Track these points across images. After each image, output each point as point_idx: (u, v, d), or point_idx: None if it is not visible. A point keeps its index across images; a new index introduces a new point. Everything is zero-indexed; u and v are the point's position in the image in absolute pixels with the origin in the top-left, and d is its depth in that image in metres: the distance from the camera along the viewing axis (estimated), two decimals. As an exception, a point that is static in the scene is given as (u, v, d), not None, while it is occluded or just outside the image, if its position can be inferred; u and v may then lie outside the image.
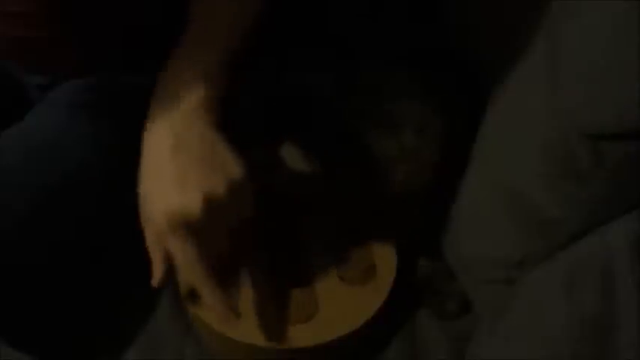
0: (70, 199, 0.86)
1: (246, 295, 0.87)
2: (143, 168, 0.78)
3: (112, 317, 0.90)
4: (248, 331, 0.85)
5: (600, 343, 0.71)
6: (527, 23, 0.83)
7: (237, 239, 0.81)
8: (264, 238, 0.88)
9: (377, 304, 0.86)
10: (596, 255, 0.74)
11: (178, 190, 0.75)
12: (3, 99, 0.98)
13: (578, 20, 0.75)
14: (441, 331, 0.90)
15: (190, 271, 0.78)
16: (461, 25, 0.97)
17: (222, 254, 0.80)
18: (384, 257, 0.90)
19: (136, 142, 0.89)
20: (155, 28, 0.89)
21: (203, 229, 0.76)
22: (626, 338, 0.70)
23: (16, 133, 0.90)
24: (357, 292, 0.88)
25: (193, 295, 0.85)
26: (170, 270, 0.79)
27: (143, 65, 0.89)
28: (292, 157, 0.86)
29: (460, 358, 0.87)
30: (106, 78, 0.91)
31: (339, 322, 0.85)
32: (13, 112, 0.93)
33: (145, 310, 0.91)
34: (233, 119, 0.80)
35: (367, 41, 0.96)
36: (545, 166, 0.78)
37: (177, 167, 0.76)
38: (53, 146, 0.87)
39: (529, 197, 0.80)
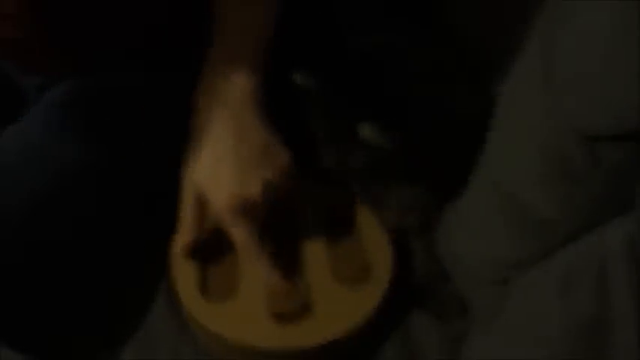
0: (67, 199, 0.87)
1: (243, 294, 0.87)
2: (204, 154, 0.86)
3: (108, 317, 0.90)
4: (243, 331, 0.85)
5: (595, 344, 0.71)
6: (523, 24, 0.83)
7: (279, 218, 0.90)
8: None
9: (372, 304, 0.86)
10: (591, 256, 0.74)
11: (241, 178, 0.85)
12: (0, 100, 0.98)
13: (574, 20, 0.75)
14: (438, 332, 0.90)
15: (248, 250, 0.86)
16: (460, 25, 0.97)
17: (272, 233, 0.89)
18: (380, 257, 0.90)
19: (132, 141, 0.90)
20: (140, 28, 0.89)
21: (259, 211, 0.86)
22: (621, 339, 0.70)
23: (14, 134, 0.90)
24: (353, 292, 0.88)
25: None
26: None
27: (135, 65, 0.89)
28: (371, 132, 0.87)
29: (457, 358, 0.87)
30: (102, 78, 0.91)
31: (334, 323, 0.85)
32: (11, 113, 0.93)
33: (140, 309, 0.91)
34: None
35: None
36: (541, 167, 0.78)
37: (240, 158, 0.85)
38: (49, 146, 0.87)
39: (525, 198, 0.80)
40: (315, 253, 0.90)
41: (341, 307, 0.86)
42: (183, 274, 0.89)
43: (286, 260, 0.90)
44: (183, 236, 0.88)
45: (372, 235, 0.92)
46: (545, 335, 0.73)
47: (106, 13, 0.87)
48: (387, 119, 0.87)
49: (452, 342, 0.89)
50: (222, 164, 0.85)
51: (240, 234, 0.86)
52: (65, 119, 0.90)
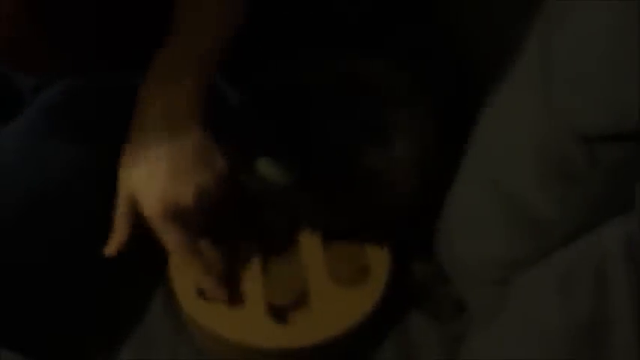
0: (64, 199, 0.87)
1: (241, 294, 0.87)
2: (138, 156, 0.84)
3: (106, 317, 0.90)
4: (241, 330, 0.85)
5: (594, 344, 0.71)
6: (521, 23, 0.83)
7: (220, 224, 0.89)
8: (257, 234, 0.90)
9: (370, 304, 0.86)
10: (590, 256, 0.74)
11: (174, 183, 0.83)
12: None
13: (573, 20, 0.75)
14: (435, 332, 0.90)
15: (180, 254, 0.85)
16: (456, 25, 0.97)
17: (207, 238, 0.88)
18: (378, 258, 0.90)
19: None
20: (136, 28, 0.89)
21: (192, 216, 0.84)
22: (620, 339, 0.70)
23: (11, 133, 0.90)
24: (351, 292, 0.88)
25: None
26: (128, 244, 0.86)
27: (130, 65, 0.89)
28: (268, 167, 0.88)
29: (455, 359, 0.87)
30: (99, 78, 0.91)
31: (332, 323, 0.85)
32: (8, 113, 0.93)
33: (138, 309, 0.91)
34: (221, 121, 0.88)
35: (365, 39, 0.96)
36: (539, 167, 0.78)
37: (173, 163, 0.83)
38: (46, 146, 0.87)
39: (523, 198, 0.80)
40: (313, 253, 0.90)
41: (339, 307, 0.87)
42: (181, 274, 0.88)
43: (284, 259, 0.90)
44: (116, 237, 0.85)
45: (369, 236, 0.92)
46: (545, 335, 0.73)
47: (103, 13, 0.87)
48: (287, 156, 0.89)
49: (450, 342, 0.89)
50: (156, 168, 0.83)
51: (170, 239, 0.84)
52: (62, 119, 0.90)
